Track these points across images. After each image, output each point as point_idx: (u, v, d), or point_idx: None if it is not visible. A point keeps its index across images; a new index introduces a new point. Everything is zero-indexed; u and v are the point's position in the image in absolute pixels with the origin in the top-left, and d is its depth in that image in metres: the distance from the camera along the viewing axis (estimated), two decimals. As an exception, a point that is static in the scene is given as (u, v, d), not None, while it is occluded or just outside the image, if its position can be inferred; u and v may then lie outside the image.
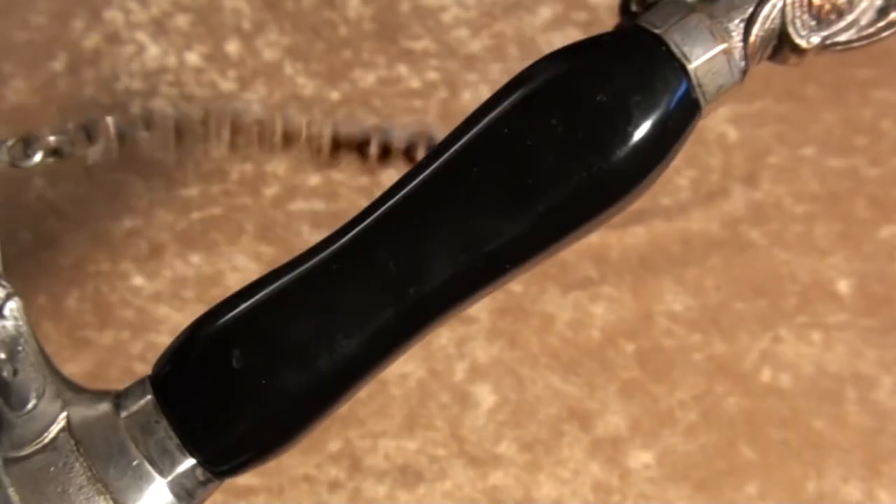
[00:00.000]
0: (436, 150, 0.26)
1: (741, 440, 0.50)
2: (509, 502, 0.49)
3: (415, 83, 0.61)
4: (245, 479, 0.50)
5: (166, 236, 0.55)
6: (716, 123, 0.60)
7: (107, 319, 0.52)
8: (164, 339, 0.52)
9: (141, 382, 0.26)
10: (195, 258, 0.54)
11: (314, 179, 0.56)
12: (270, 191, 0.56)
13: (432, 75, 0.61)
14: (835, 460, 0.50)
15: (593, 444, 0.50)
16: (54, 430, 0.25)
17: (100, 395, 0.26)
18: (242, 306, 0.25)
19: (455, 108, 0.60)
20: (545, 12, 0.64)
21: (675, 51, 0.25)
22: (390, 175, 0.58)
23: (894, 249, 0.56)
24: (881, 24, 0.26)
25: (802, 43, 0.26)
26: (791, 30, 0.26)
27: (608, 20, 0.64)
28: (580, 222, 0.26)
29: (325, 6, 0.64)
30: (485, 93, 0.60)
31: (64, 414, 0.25)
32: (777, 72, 0.63)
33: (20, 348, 0.25)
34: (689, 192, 0.57)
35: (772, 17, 0.25)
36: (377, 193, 0.56)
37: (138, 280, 0.53)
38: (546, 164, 0.25)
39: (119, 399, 0.26)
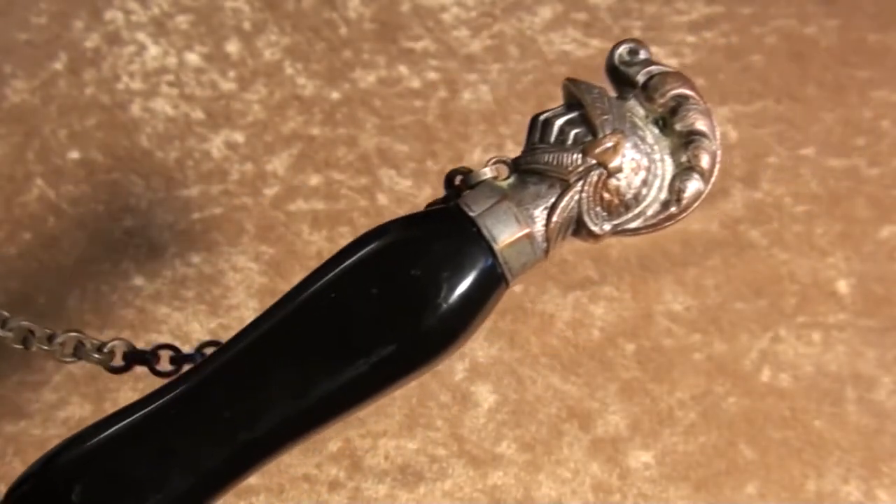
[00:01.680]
0: (271, 309, 0.29)
1: (741, 440, 0.50)
2: (509, 502, 0.49)
3: (415, 83, 0.61)
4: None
5: (166, 236, 0.55)
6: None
7: (107, 319, 0.52)
8: (165, 339, 0.52)
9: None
10: (195, 258, 0.54)
11: (314, 179, 0.57)
12: (270, 191, 0.56)
13: (432, 75, 0.61)
14: (835, 460, 0.50)
15: (593, 444, 0.50)
16: None
17: None
18: (87, 444, 0.28)
19: (455, 108, 0.60)
20: (545, 12, 0.64)
21: (486, 233, 0.28)
22: (390, 175, 0.58)
23: (894, 249, 0.56)
24: (663, 216, 0.30)
25: (596, 230, 0.29)
26: (586, 218, 0.29)
27: (608, 20, 0.64)
28: (396, 379, 0.29)
29: (325, 6, 0.64)
30: (485, 93, 0.61)
31: None
32: (777, 72, 0.63)
33: None
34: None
35: (570, 206, 0.29)
36: (377, 193, 0.57)
37: (138, 280, 0.53)
38: (366, 327, 0.28)
39: None
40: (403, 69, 0.61)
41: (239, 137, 0.58)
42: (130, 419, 0.28)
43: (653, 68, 0.30)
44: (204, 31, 0.62)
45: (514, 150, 0.58)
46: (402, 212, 0.55)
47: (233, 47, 0.62)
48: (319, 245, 0.54)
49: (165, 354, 0.34)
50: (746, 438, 0.50)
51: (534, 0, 0.64)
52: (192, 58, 0.61)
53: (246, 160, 0.58)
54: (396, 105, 0.60)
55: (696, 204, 0.29)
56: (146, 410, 0.28)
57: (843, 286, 0.54)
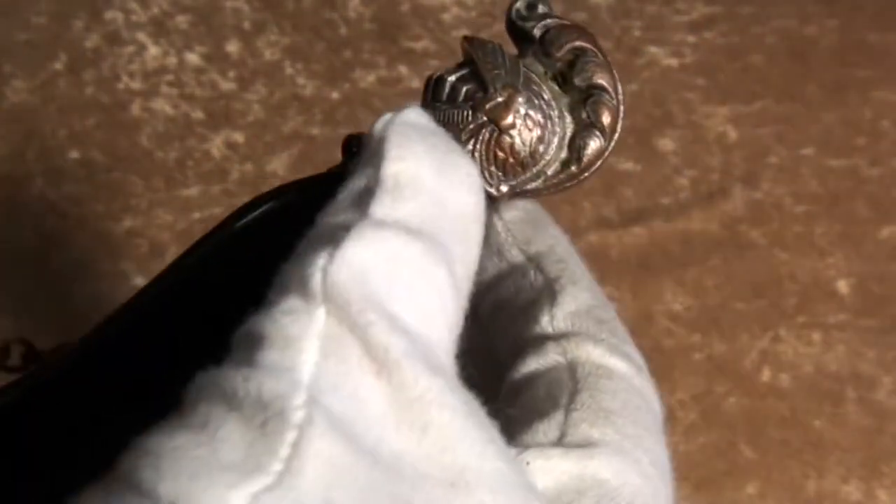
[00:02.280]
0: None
1: (741, 440, 0.50)
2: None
3: (415, 83, 0.61)
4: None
5: (166, 236, 0.55)
6: (715, 123, 0.60)
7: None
8: (165, 339, 0.52)
9: None
10: (195, 258, 0.54)
11: (314, 179, 0.57)
12: (270, 191, 0.56)
13: (432, 75, 0.61)
14: (835, 460, 0.49)
15: (593, 444, 0.50)
16: None
17: None
18: None
19: (455, 108, 0.60)
20: (545, 12, 0.64)
21: None
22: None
23: (894, 249, 0.56)
24: (564, 175, 0.28)
25: (492, 191, 0.28)
26: (482, 178, 0.27)
27: (608, 20, 0.64)
28: None
29: (325, 6, 0.64)
30: (485, 93, 0.61)
31: None
32: (777, 72, 0.63)
33: None
34: (689, 192, 0.57)
35: None
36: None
37: (138, 280, 0.53)
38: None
39: None
40: (403, 69, 0.61)
41: (239, 137, 0.58)
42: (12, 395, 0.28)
43: (549, 21, 0.28)
44: (204, 31, 0.62)
45: (514, 150, 0.58)
46: (402, 212, 0.55)
47: (233, 47, 0.62)
48: (319, 245, 0.54)
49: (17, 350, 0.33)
50: (746, 438, 0.50)
51: (534, 0, 0.64)
52: (192, 58, 0.61)
53: (246, 160, 0.58)
54: (396, 105, 0.60)
55: (598, 163, 0.28)
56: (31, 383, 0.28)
57: (843, 286, 0.54)
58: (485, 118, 0.27)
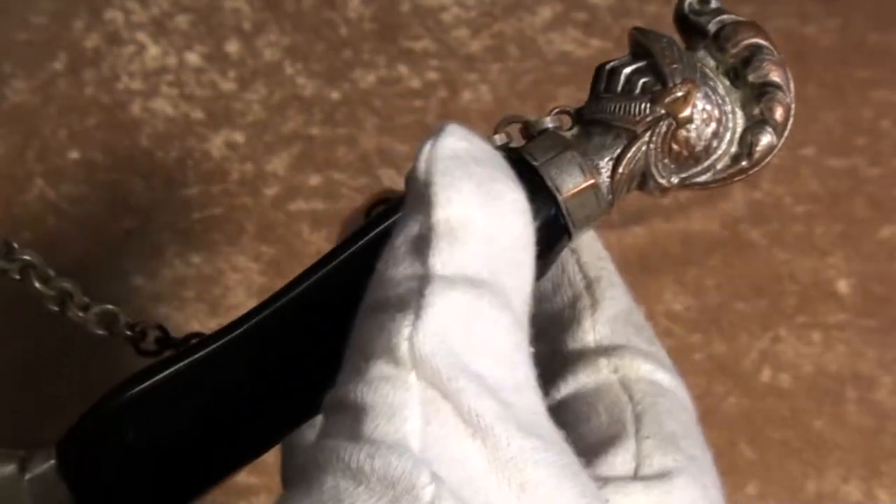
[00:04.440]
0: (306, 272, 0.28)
1: (741, 440, 0.50)
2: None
3: (415, 83, 0.61)
4: (245, 477, 0.50)
5: (166, 236, 0.55)
6: (716, 123, 0.60)
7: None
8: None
9: (46, 448, 0.28)
10: (195, 258, 0.54)
11: (314, 179, 0.57)
12: (270, 191, 0.56)
13: (432, 75, 0.61)
14: (835, 460, 0.49)
15: (593, 444, 0.50)
16: None
17: (7, 455, 0.29)
18: (141, 386, 0.28)
19: (455, 108, 0.60)
20: (545, 12, 0.64)
21: (549, 183, 0.27)
22: (390, 175, 0.58)
23: (894, 249, 0.56)
24: (733, 169, 0.29)
25: (663, 182, 0.28)
26: (654, 170, 0.28)
27: (608, 20, 0.64)
28: None
29: (325, 6, 0.64)
30: (485, 92, 0.61)
31: None
32: (777, 72, 0.63)
33: None
34: (688, 192, 0.57)
35: (637, 158, 0.28)
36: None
37: (138, 280, 0.53)
38: None
39: (25, 462, 0.28)
40: (403, 69, 0.61)
41: (239, 137, 0.58)
42: (178, 365, 0.28)
43: (724, 17, 0.28)
44: (204, 31, 0.62)
45: (514, 150, 0.58)
46: (402, 212, 0.56)
47: (233, 47, 0.62)
48: (319, 245, 0.54)
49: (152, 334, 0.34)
50: (746, 438, 0.50)
51: (534, 0, 0.64)
52: (192, 58, 0.61)
53: (246, 160, 0.58)
54: (396, 105, 0.60)
55: (767, 158, 0.28)
56: (195, 356, 0.28)
57: (843, 286, 0.54)
58: (663, 111, 0.27)
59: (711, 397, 0.51)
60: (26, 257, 0.32)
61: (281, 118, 0.59)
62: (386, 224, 0.28)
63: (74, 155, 0.57)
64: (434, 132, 0.22)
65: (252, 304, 0.29)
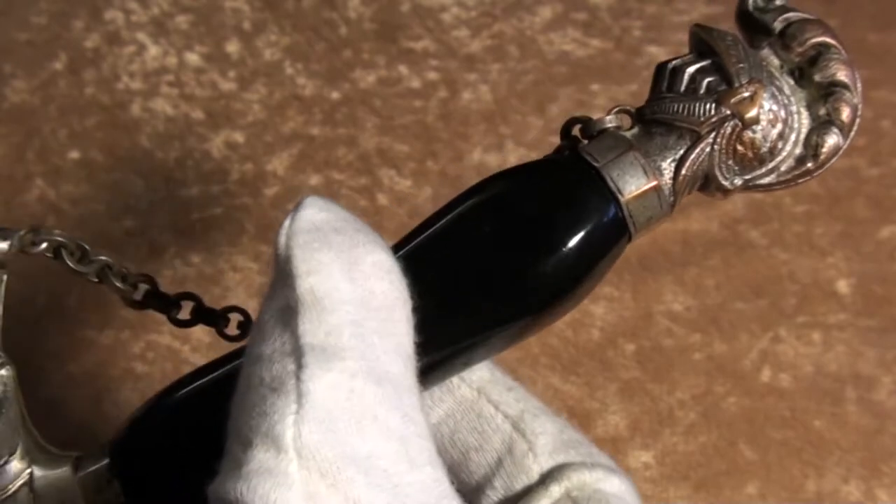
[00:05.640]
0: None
1: (741, 440, 0.50)
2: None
3: (415, 83, 0.61)
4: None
5: (166, 236, 0.55)
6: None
7: (107, 319, 0.52)
8: (165, 340, 0.52)
9: (101, 447, 0.28)
10: (195, 258, 0.54)
11: (314, 179, 0.56)
12: (270, 191, 0.56)
13: (432, 75, 0.61)
14: (835, 460, 0.49)
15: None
16: (17, 484, 0.27)
17: (63, 456, 0.29)
18: (193, 386, 0.28)
19: (455, 108, 0.60)
20: (545, 12, 0.64)
21: (611, 185, 0.27)
22: (390, 175, 0.58)
23: (894, 249, 0.56)
24: (798, 171, 0.28)
25: (727, 184, 0.28)
26: (717, 172, 0.27)
27: (608, 20, 0.64)
28: (511, 321, 0.27)
29: (325, 6, 0.64)
30: (485, 92, 0.61)
31: (28, 471, 0.28)
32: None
33: (3, 410, 0.28)
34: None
35: (700, 159, 0.27)
36: (377, 193, 0.56)
37: (138, 280, 0.53)
38: (486, 268, 0.27)
39: (79, 460, 0.28)
40: (403, 69, 0.61)
41: (239, 137, 0.58)
42: (230, 365, 0.28)
43: (790, 15, 0.28)
44: (204, 31, 0.62)
45: (513, 150, 0.58)
46: (402, 212, 0.55)
47: (233, 47, 0.62)
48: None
49: (234, 318, 0.34)
50: (746, 438, 0.50)
51: (534, 0, 0.64)
52: (192, 58, 0.61)
53: (246, 160, 0.58)
54: (396, 105, 0.60)
55: (833, 159, 0.28)
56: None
57: (843, 286, 0.54)
58: (728, 112, 0.26)
59: (711, 397, 0.51)
60: (58, 238, 0.33)
61: (281, 118, 0.59)
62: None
63: (74, 155, 0.57)
64: (294, 206, 0.22)
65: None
